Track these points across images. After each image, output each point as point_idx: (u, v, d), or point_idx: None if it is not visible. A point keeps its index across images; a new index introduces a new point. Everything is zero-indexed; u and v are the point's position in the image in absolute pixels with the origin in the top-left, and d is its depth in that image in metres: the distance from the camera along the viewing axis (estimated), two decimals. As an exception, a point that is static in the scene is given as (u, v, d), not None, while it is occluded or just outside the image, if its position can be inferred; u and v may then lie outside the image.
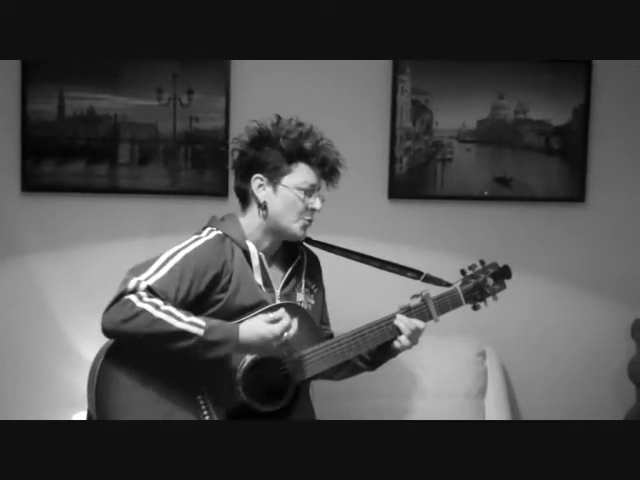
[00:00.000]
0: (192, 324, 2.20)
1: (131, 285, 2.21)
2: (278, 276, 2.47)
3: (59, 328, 3.25)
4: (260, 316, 2.28)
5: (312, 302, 2.51)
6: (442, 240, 3.38)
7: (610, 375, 3.45)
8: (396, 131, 3.34)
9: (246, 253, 2.39)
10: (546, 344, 3.43)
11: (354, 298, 3.20)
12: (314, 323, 2.48)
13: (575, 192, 3.41)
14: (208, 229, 2.41)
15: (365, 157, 3.29)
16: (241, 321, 2.29)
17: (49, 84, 3.21)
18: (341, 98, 3.32)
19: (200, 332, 2.19)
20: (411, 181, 3.36)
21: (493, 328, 3.29)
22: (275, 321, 2.25)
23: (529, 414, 3.41)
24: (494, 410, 3.14)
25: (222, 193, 3.26)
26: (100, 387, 2.24)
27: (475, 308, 2.57)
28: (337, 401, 2.91)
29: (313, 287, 2.54)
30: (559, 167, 3.40)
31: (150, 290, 2.22)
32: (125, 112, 3.25)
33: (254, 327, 2.25)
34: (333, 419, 2.76)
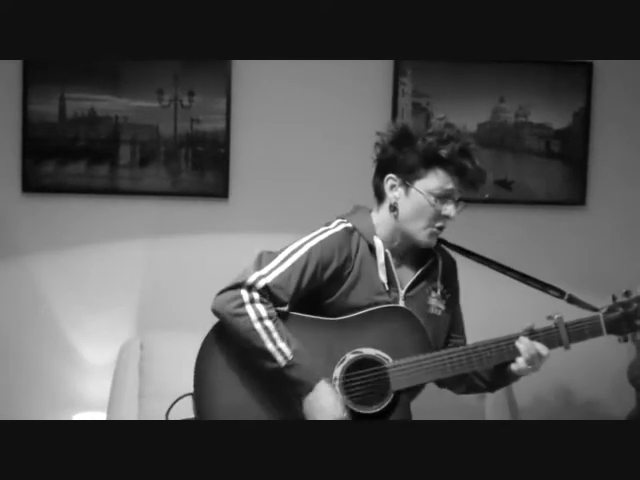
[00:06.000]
0: (280, 351, 2.18)
1: (251, 280, 2.21)
2: (407, 277, 2.37)
3: (59, 328, 3.25)
4: (343, 398, 2.23)
5: (442, 308, 2.40)
6: (442, 242, 3.37)
7: (610, 378, 3.44)
8: (397, 133, 3.34)
9: (372, 249, 2.32)
10: (546, 346, 3.42)
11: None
12: (425, 332, 2.32)
13: (576, 195, 3.41)
14: (337, 221, 2.35)
15: (365, 159, 3.28)
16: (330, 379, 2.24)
17: (50, 85, 3.21)
18: (342, 100, 3.33)
19: (282, 363, 2.18)
20: (412, 183, 3.36)
21: (493, 329, 3.28)
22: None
23: (529, 414, 3.40)
24: (494, 411, 3.14)
25: (223, 194, 3.27)
26: (201, 359, 2.27)
27: (621, 340, 2.32)
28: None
29: (445, 292, 2.42)
30: (560, 170, 3.40)
31: (267, 289, 2.21)
32: (126, 113, 3.25)
33: (331, 397, 2.21)
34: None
